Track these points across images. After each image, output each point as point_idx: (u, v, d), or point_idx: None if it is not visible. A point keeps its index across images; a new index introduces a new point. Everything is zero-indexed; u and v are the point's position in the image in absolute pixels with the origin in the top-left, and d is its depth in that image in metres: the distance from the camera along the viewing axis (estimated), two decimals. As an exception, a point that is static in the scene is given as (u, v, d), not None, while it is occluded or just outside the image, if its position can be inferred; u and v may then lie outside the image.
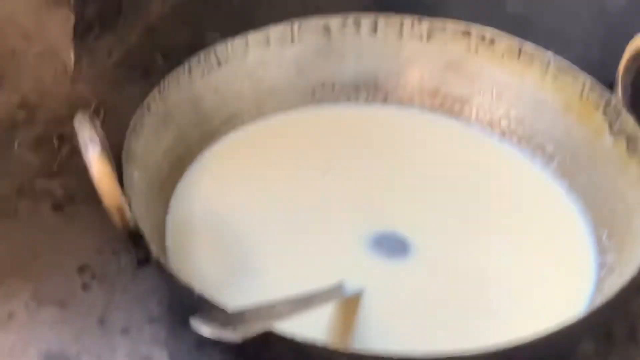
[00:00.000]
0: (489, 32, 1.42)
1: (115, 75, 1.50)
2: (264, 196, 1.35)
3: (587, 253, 1.31)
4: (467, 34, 1.42)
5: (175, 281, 1.16)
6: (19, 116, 1.45)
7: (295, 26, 1.42)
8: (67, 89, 1.47)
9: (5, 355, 1.20)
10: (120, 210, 1.15)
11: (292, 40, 1.42)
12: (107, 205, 1.15)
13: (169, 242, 1.29)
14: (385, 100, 1.45)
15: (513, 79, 1.42)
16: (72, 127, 1.19)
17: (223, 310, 1.10)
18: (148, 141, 1.30)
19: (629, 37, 1.34)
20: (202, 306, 1.12)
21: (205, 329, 1.04)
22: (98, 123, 1.17)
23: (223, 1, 1.61)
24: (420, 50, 1.44)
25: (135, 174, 1.25)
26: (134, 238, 1.18)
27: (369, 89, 1.45)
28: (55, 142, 1.42)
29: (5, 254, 1.30)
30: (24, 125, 1.44)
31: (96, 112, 1.41)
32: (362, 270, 1.27)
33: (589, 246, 1.32)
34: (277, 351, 1.13)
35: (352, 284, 1.24)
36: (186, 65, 1.36)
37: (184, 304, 1.18)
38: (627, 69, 1.34)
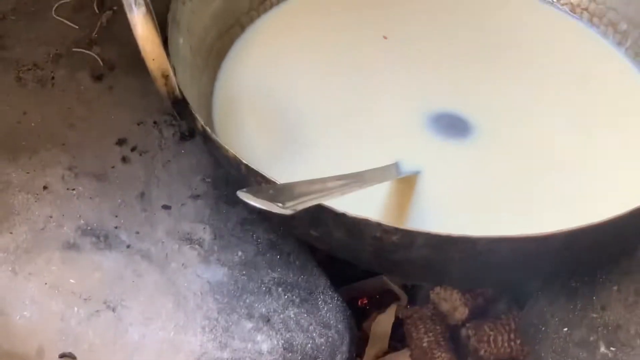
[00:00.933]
0: None
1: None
2: (318, 67, 1.36)
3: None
4: None
5: (223, 154, 1.16)
6: (57, -21, 1.45)
7: None
8: (110, -48, 1.47)
9: (39, 229, 1.22)
10: (165, 75, 1.16)
11: None
12: (152, 69, 1.15)
13: (217, 115, 1.30)
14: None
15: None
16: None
17: (273, 183, 1.11)
18: (195, 6, 1.30)
19: None
20: (249, 180, 1.13)
21: (252, 201, 1.05)
22: (143, -17, 1.18)
23: None
24: None
25: (181, 41, 1.26)
26: (179, 107, 1.19)
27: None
28: (95, 7, 1.42)
29: (40, 124, 1.31)
30: (62, -9, 1.45)
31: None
32: (420, 150, 1.28)
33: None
34: (327, 229, 1.13)
35: (408, 164, 1.25)
36: None
37: (230, 179, 1.18)
38: None
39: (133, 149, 1.30)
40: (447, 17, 1.43)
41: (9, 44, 1.38)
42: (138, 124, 1.32)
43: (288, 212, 1.06)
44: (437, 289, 1.35)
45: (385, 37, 1.39)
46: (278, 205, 1.06)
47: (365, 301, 1.37)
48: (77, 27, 1.41)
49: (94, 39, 1.40)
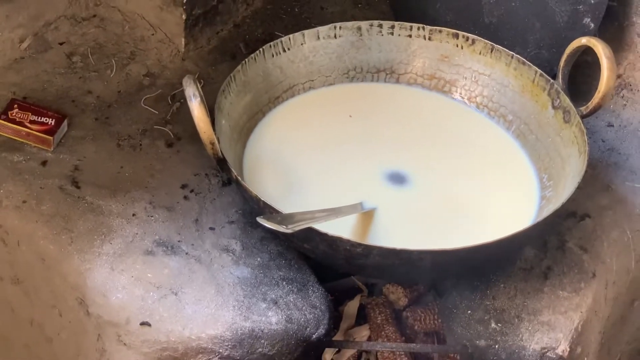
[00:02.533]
0: (471, 36, 1.41)
1: (212, 57, 1.50)
2: (311, 142, 1.36)
3: (533, 189, 1.32)
4: (456, 36, 1.42)
5: (248, 194, 1.18)
6: (145, 82, 1.45)
7: (338, 27, 1.42)
8: (179, 65, 1.48)
9: (129, 241, 1.22)
10: (212, 143, 1.17)
11: (335, 36, 1.42)
12: (203, 139, 1.17)
13: (245, 170, 1.31)
14: (397, 80, 1.45)
15: (486, 69, 1.41)
16: (182, 90, 1.20)
17: (279, 213, 1.12)
18: (232, 100, 1.32)
19: (569, 42, 1.34)
20: (265, 211, 1.14)
21: (266, 224, 1.06)
22: (199, 84, 1.19)
23: (289, 10, 1.61)
24: (423, 46, 1.44)
25: (223, 122, 1.27)
26: (221, 164, 1.20)
27: (387, 71, 1.45)
28: (169, 100, 1.43)
29: (132, 174, 1.32)
30: (148, 88, 1.44)
31: (198, 81, 1.42)
32: (376, 194, 1.29)
33: (534, 185, 1.33)
34: (315, 243, 1.15)
35: (368, 203, 1.26)
36: (261, 50, 1.37)
37: (253, 211, 1.20)
38: (566, 64, 1.34)
39: (191, 191, 1.30)
40: (397, 111, 1.43)
41: (112, 122, 1.38)
42: (195, 175, 1.32)
43: (290, 231, 1.08)
44: (388, 285, 1.35)
45: (350, 116, 1.40)
46: (283, 227, 1.07)
47: (337, 294, 1.37)
48: (157, 112, 1.41)
49: (168, 120, 1.40)
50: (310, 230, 1.11)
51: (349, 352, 1.32)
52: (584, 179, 1.23)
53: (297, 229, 1.08)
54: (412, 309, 1.35)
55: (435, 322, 1.32)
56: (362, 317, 1.36)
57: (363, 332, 1.34)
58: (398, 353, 1.29)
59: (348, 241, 1.11)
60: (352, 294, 1.38)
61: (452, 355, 1.29)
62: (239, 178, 1.18)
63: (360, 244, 1.12)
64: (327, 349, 1.30)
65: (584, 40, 1.30)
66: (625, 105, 1.48)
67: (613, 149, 1.43)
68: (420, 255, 1.12)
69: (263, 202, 1.14)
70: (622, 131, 1.46)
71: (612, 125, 1.46)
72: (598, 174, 1.39)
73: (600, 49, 1.27)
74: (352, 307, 1.35)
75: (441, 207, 1.29)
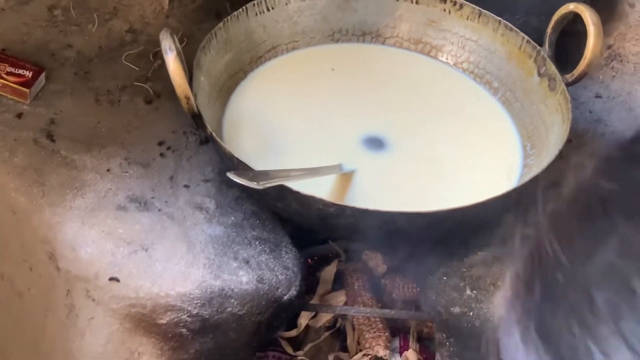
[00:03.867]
0: (459, 0, 1.39)
1: (196, 15, 1.48)
2: (291, 102, 1.35)
3: (516, 157, 1.31)
4: (444, 0, 1.40)
5: (223, 151, 1.16)
6: (127, 38, 1.43)
7: (324, -13, 1.41)
8: (162, 22, 1.45)
9: (101, 197, 1.21)
10: (187, 97, 1.16)
11: (321, -3, 1.41)
12: (178, 93, 1.15)
13: (224, 129, 1.29)
14: (383, 42, 1.43)
15: (473, 34, 1.40)
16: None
17: (251, 169, 1.11)
18: (213, 58, 1.30)
19: (557, 9, 1.32)
20: (239, 168, 1.12)
21: (237, 179, 1.05)
22: (175, 38, 1.17)
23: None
24: (410, 10, 1.42)
25: (202, 78, 1.25)
26: (197, 120, 1.19)
27: (372, 35, 1.43)
28: (151, 57, 1.41)
29: (108, 130, 1.30)
30: (130, 45, 1.42)
31: (181, 40, 1.40)
32: (356, 157, 1.27)
33: (518, 152, 1.31)
34: (288, 202, 1.13)
35: (348, 165, 1.24)
36: (245, 8, 1.35)
37: (228, 168, 1.18)
38: (553, 30, 1.32)
39: (168, 148, 1.29)
40: (381, 73, 1.41)
41: (92, 77, 1.37)
42: (173, 132, 1.31)
43: (260, 187, 1.06)
44: (367, 251, 1.34)
45: (332, 69, 1.39)
46: (254, 183, 1.06)
47: (315, 258, 1.36)
48: (138, 69, 1.39)
49: (148, 77, 1.38)
50: (283, 188, 1.09)
51: (325, 317, 1.31)
52: (569, 149, 1.21)
53: (267, 185, 1.06)
54: (391, 276, 1.33)
55: (414, 290, 1.31)
56: (339, 284, 1.34)
57: (339, 298, 1.33)
58: (373, 319, 1.28)
59: (321, 200, 1.09)
60: (331, 260, 1.36)
61: (429, 322, 1.28)
62: (214, 134, 1.16)
63: (332, 204, 1.10)
64: (302, 313, 1.29)
65: (571, 6, 1.28)
66: (614, 76, 1.46)
67: (600, 120, 1.41)
68: (394, 217, 1.10)
69: (237, 159, 1.13)
70: (610, 102, 1.44)
71: (601, 97, 1.44)
72: (584, 145, 1.37)
73: (588, 15, 1.24)
74: (328, 272, 1.34)
75: (422, 171, 1.27)
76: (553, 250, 0.48)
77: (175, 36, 1.17)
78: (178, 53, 1.15)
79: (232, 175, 1.05)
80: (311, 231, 1.27)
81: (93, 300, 1.16)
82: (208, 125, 1.17)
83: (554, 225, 0.49)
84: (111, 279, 1.14)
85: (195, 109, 1.16)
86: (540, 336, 0.47)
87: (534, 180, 1.16)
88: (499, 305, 0.52)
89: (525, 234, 0.50)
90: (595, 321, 0.45)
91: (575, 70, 1.27)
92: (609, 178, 0.48)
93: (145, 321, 1.15)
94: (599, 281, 0.45)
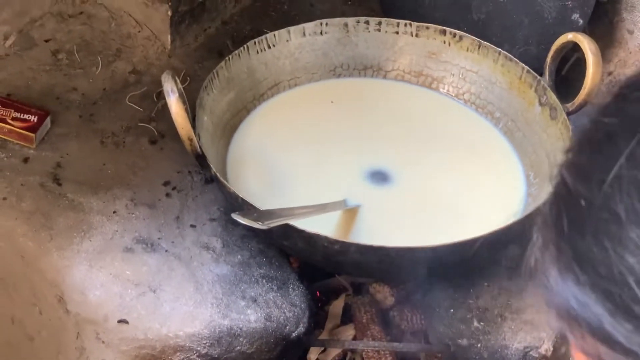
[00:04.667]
0: (459, 32, 1.40)
1: (198, 54, 1.49)
2: (294, 138, 1.35)
3: (519, 187, 1.31)
4: (443, 32, 1.41)
5: (227, 191, 1.17)
6: (130, 79, 1.44)
7: (324, 23, 1.41)
8: (165, 62, 1.47)
9: (109, 238, 1.22)
10: (190, 139, 1.17)
11: (321, 33, 1.41)
12: (181, 135, 1.17)
13: (229, 168, 1.30)
14: (385, 76, 1.44)
15: (474, 66, 1.40)
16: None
17: (256, 208, 1.11)
18: (216, 97, 1.31)
19: (556, 39, 1.33)
20: (244, 208, 1.13)
21: (241, 220, 1.06)
22: (177, 80, 1.18)
23: (277, 7, 1.60)
24: (410, 43, 1.43)
25: (205, 118, 1.27)
26: (200, 160, 1.20)
27: (374, 68, 1.44)
28: (155, 98, 1.42)
29: (114, 171, 1.31)
30: (134, 85, 1.44)
31: (184, 79, 1.41)
32: (360, 192, 1.28)
33: (521, 182, 1.32)
34: (294, 240, 1.14)
35: (352, 200, 1.25)
36: (246, 46, 1.36)
37: (234, 207, 1.18)
38: (553, 60, 1.33)
39: (173, 188, 1.30)
40: (383, 107, 1.42)
41: (97, 119, 1.38)
42: (178, 172, 1.32)
43: (265, 227, 1.07)
44: (374, 284, 1.34)
45: (332, 102, 1.40)
46: (259, 223, 1.06)
47: (323, 294, 1.36)
48: (142, 109, 1.40)
49: (152, 117, 1.39)
50: (288, 226, 1.10)
51: (334, 352, 1.32)
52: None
53: (272, 225, 1.07)
54: (399, 308, 1.34)
55: (422, 321, 1.31)
56: (348, 317, 1.35)
57: (348, 332, 1.33)
58: (382, 352, 1.29)
59: (325, 238, 1.10)
60: (339, 294, 1.37)
61: (437, 354, 1.28)
62: (218, 174, 1.17)
63: (337, 241, 1.11)
64: (312, 348, 1.30)
65: (570, 36, 1.29)
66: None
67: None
68: (399, 253, 1.11)
69: (241, 198, 1.14)
70: (612, 129, 1.44)
71: (602, 123, 1.45)
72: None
73: (586, 44, 1.25)
74: (337, 306, 1.34)
75: (426, 204, 1.28)
76: (572, 184, 0.53)
77: (177, 78, 1.19)
78: (180, 95, 1.16)
79: (237, 217, 1.06)
80: (318, 266, 1.28)
81: (103, 342, 1.17)
82: (212, 166, 1.18)
83: (568, 165, 0.54)
84: (120, 321, 1.15)
85: (198, 149, 1.18)
86: (578, 263, 0.52)
87: (538, 211, 1.17)
88: (535, 254, 0.56)
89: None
90: (621, 229, 0.50)
91: (576, 99, 1.28)
92: (608, 115, 0.53)
93: (155, 362, 1.16)
94: (616, 195, 0.50)
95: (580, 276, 0.52)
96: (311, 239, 1.10)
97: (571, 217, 0.53)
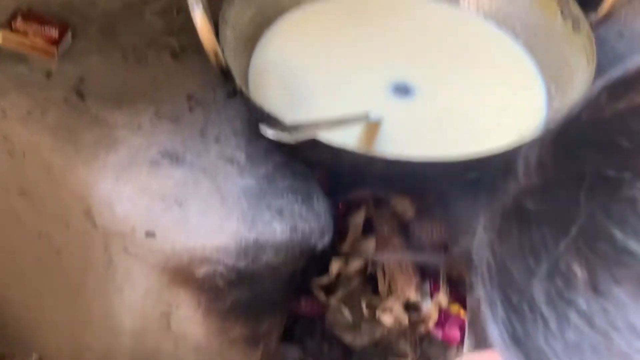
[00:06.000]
0: (480, -57, 1.40)
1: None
2: (316, 51, 1.35)
3: (540, 99, 1.31)
4: (464, -55, 1.40)
5: (252, 104, 1.18)
6: (150, -7, 1.44)
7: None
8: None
9: (133, 153, 1.22)
10: (215, 52, 1.17)
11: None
12: (206, 48, 1.17)
13: (251, 80, 1.30)
14: (406, -10, 1.44)
15: (496, -22, 1.40)
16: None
17: (282, 121, 1.12)
18: (238, 11, 1.30)
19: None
20: (269, 121, 1.14)
21: (269, 132, 1.06)
22: (202, -7, 1.18)
23: None
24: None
25: (227, 32, 1.26)
26: (225, 74, 1.20)
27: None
28: (175, 12, 1.41)
29: (137, 86, 1.31)
30: (154, 0, 1.43)
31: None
32: (382, 105, 1.28)
33: (542, 94, 1.32)
34: (319, 153, 1.15)
35: (374, 114, 1.25)
36: (270, -36, 1.35)
37: (257, 121, 1.19)
38: (576, -29, 1.33)
39: (197, 102, 1.30)
40: (405, 21, 1.41)
41: (117, 33, 1.37)
42: (201, 86, 1.31)
43: (292, 140, 1.07)
44: (395, 197, 1.36)
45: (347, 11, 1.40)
46: (287, 136, 1.07)
47: (344, 206, 1.37)
48: (162, 23, 1.39)
49: (173, 31, 1.39)
50: (314, 139, 1.10)
51: (356, 263, 1.33)
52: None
53: (300, 138, 1.07)
54: (420, 220, 1.35)
55: (442, 233, 1.33)
56: (369, 229, 1.36)
57: (370, 244, 1.35)
58: (403, 263, 1.30)
59: (352, 151, 1.11)
60: (360, 206, 1.38)
61: (458, 265, 1.30)
62: (243, 88, 1.18)
63: (364, 154, 1.11)
64: (334, 259, 1.31)
65: (594, -53, 1.28)
66: (636, 15, 1.46)
67: (623, 59, 1.40)
68: (424, 165, 1.12)
69: (267, 112, 1.14)
70: (633, 41, 1.44)
71: (623, 35, 1.44)
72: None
73: (611, -45, 1.24)
74: (357, 218, 1.36)
75: (448, 117, 1.28)
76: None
77: (202, -9, 1.18)
78: (205, 9, 1.16)
79: (264, 129, 1.06)
80: (340, 177, 1.29)
81: (130, 255, 1.18)
82: (237, 80, 1.18)
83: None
84: (147, 234, 1.16)
85: (223, 63, 1.18)
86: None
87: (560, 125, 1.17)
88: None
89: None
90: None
91: (599, 10, 1.27)
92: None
93: (181, 274, 1.17)
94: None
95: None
96: (337, 152, 1.11)
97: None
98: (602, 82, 0.52)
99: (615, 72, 0.52)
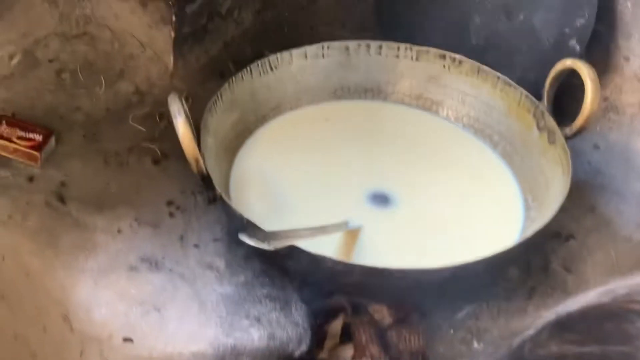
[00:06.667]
0: (458, 56, 1.43)
1: (201, 75, 1.50)
2: (296, 159, 1.37)
3: (517, 210, 1.33)
4: (443, 56, 1.43)
5: (232, 211, 1.19)
6: (133, 99, 1.46)
7: (326, 46, 1.44)
8: (167, 83, 1.48)
9: (113, 258, 1.23)
10: (196, 159, 1.18)
11: (323, 56, 1.44)
12: (188, 156, 1.18)
13: (231, 188, 1.32)
14: (385, 99, 1.47)
15: (473, 90, 1.43)
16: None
17: (262, 230, 1.13)
18: (219, 118, 1.33)
19: (553, 65, 1.35)
20: (248, 228, 1.15)
21: (249, 241, 1.07)
22: (184, 102, 1.20)
23: (277, 29, 1.62)
24: (411, 66, 1.45)
25: (209, 140, 1.28)
26: (206, 182, 1.21)
27: (374, 91, 1.46)
28: (157, 118, 1.43)
29: (118, 191, 1.32)
30: (137, 106, 1.45)
31: (186, 99, 1.42)
32: (361, 214, 1.30)
33: (519, 205, 1.34)
34: (297, 261, 1.15)
35: (353, 223, 1.26)
36: (249, 68, 1.38)
37: (237, 228, 1.20)
38: (551, 85, 1.36)
39: (177, 208, 1.31)
40: (384, 129, 1.44)
41: (100, 139, 1.39)
42: (181, 192, 1.33)
43: (272, 248, 1.08)
44: (373, 304, 1.36)
45: (327, 120, 1.43)
46: (265, 244, 1.08)
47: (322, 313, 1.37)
48: (145, 129, 1.41)
49: (155, 137, 1.40)
50: (294, 248, 1.11)
51: (333, 371, 1.33)
52: (570, 200, 1.24)
53: (279, 246, 1.08)
54: (398, 328, 1.35)
55: (420, 342, 1.32)
56: (347, 337, 1.36)
57: (347, 351, 1.34)
58: (381, 372, 1.30)
59: (330, 259, 1.12)
60: (338, 313, 1.38)
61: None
62: (223, 195, 1.19)
63: (342, 262, 1.12)
64: (311, 367, 1.31)
65: (568, 62, 1.31)
66: (611, 127, 1.49)
67: (599, 171, 1.44)
68: (403, 274, 1.13)
69: (246, 219, 1.15)
70: (608, 153, 1.47)
71: (599, 147, 1.47)
72: (583, 196, 1.40)
73: (585, 70, 1.28)
74: (335, 325, 1.35)
75: (426, 226, 1.30)
76: None
77: (183, 100, 1.20)
78: (187, 117, 1.18)
79: (244, 238, 1.07)
80: (319, 285, 1.29)
81: (107, 360, 1.18)
82: (217, 187, 1.20)
83: None
84: (125, 339, 1.16)
85: (204, 170, 1.19)
86: None
87: (537, 234, 1.19)
88: None
89: None
90: None
91: (574, 124, 1.30)
92: None
93: (159, 380, 1.17)
94: None
95: None
96: (315, 260, 1.12)
97: None
98: (549, 315, 0.54)
99: (562, 308, 0.54)
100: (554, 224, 1.22)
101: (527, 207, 1.32)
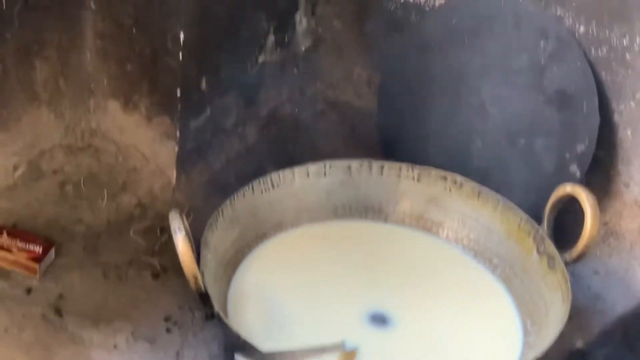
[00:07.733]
0: (459, 178, 1.44)
1: (203, 190, 1.52)
2: (295, 278, 1.37)
3: (516, 335, 1.32)
4: (444, 178, 1.44)
5: (229, 330, 1.18)
6: (135, 212, 1.47)
7: (328, 165, 1.45)
8: (169, 197, 1.49)
9: (109, 374, 1.22)
10: (195, 277, 1.18)
11: (325, 175, 1.45)
12: (186, 273, 1.18)
13: (229, 305, 1.31)
14: (385, 220, 1.47)
15: (473, 212, 1.43)
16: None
17: (259, 351, 1.13)
18: (220, 235, 1.33)
19: (553, 189, 1.36)
20: (245, 348, 1.14)
21: (244, 361, 1.06)
22: (185, 218, 1.21)
23: (281, 147, 1.64)
24: (412, 187, 1.46)
25: (209, 257, 1.28)
26: (204, 299, 1.21)
27: (375, 211, 1.47)
28: (158, 232, 1.44)
29: (116, 305, 1.32)
30: (138, 219, 1.46)
31: (187, 215, 1.43)
32: (358, 335, 1.29)
33: (518, 330, 1.33)
34: (294, 383, 1.15)
35: (350, 343, 1.26)
36: (251, 185, 1.39)
37: (234, 346, 1.19)
38: (551, 210, 1.36)
39: (174, 323, 1.31)
40: (383, 250, 1.44)
41: (101, 251, 1.40)
42: (179, 308, 1.33)
43: (268, 370, 1.08)
44: None
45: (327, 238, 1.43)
46: (262, 366, 1.07)
47: None
48: (145, 243, 1.42)
49: (155, 251, 1.41)
50: (289, 369, 1.11)
51: None
52: (570, 325, 1.23)
53: (275, 368, 1.08)
54: None
55: None
56: None
57: None
58: None
59: (326, 382, 1.11)
60: None
61: None
62: (220, 313, 1.19)
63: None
64: None
65: (568, 188, 1.32)
66: (611, 253, 1.49)
67: (599, 296, 1.43)
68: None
69: (243, 339, 1.15)
70: (608, 279, 1.46)
71: (599, 273, 1.47)
72: (584, 322, 1.39)
73: (585, 197, 1.29)
74: None
75: (423, 348, 1.29)
76: None
77: (184, 217, 1.21)
78: (187, 234, 1.18)
79: (240, 358, 1.07)
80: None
81: None
82: (215, 305, 1.19)
83: None
84: None
85: (202, 288, 1.19)
86: None
87: (536, 361, 1.18)
88: None
89: None
90: None
91: (574, 250, 1.30)
92: None
93: None
94: None
95: None
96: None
97: None
98: None
99: None
100: (553, 351, 1.20)
101: (526, 332, 1.31)
